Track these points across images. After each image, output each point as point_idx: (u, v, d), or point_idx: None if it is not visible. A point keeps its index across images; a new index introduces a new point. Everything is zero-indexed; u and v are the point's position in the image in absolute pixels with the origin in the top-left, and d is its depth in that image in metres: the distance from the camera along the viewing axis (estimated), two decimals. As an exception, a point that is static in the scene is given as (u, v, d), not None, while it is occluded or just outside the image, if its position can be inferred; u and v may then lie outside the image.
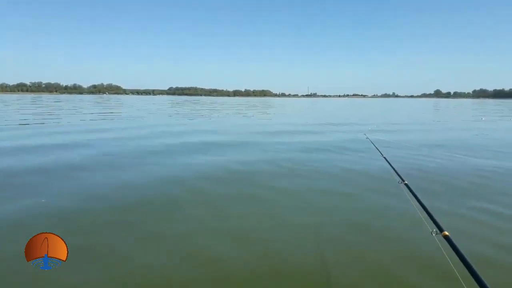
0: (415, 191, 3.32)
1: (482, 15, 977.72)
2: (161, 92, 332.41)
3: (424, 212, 2.91)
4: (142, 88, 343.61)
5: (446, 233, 2.51)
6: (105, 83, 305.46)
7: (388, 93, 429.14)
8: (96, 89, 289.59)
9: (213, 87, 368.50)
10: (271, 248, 4.52)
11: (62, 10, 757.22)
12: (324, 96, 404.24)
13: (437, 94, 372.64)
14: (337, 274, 3.99)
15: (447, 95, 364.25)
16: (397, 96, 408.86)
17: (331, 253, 4.45)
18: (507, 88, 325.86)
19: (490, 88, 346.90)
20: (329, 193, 7.03)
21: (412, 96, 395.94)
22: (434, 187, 7.27)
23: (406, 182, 3.66)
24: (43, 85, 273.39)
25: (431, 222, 2.74)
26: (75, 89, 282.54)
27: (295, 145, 13.13)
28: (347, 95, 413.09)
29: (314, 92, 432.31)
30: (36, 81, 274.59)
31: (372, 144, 7.27)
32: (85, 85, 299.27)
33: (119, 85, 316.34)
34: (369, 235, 5.01)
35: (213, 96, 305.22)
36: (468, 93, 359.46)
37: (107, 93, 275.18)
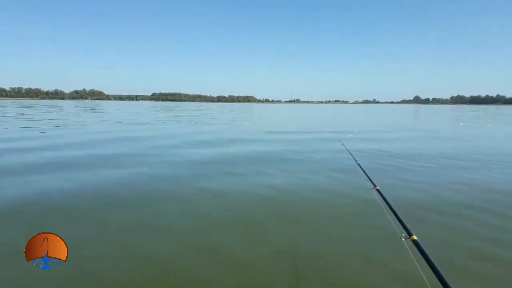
0: (387, 197, 3.40)
1: (458, 25, 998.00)
2: (145, 98, 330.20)
3: (395, 217, 2.99)
4: (126, 93, 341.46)
5: (415, 238, 2.58)
6: (87, 89, 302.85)
7: (369, 99, 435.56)
8: (78, 95, 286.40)
9: (197, 93, 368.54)
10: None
11: (44, 15, 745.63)
12: (307, 102, 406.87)
13: (417, 100, 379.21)
14: (307, 276, 4.10)
15: (426, 101, 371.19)
16: (377, 102, 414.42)
17: (304, 258, 4.49)
18: (483, 95, 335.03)
19: (467, 94, 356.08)
20: (300, 199, 7.03)
21: (392, 102, 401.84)
22: (406, 194, 7.34)
23: (378, 187, 3.74)
24: (23, 91, 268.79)
25: (401, 227, 2.82)
26: (57, 95, 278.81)
27: (273, 153, 13.10)
28: (329, 101, 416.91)
29: (297, 98, 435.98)
30: (17, 86, 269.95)
31: (346, 150, 7.37)
32: (67, 90, 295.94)
33: (101, 90, 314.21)
34: (340, 239, 5.08)
35: (197, 101, 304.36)
36: (446, 99, 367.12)
37: (89, 98, 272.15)
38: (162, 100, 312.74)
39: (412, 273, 3.38)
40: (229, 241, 4.97)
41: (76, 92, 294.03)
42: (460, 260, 4.42)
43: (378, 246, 4.79)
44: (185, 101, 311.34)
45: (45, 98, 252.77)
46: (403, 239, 2.68)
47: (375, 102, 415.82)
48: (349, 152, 6.93)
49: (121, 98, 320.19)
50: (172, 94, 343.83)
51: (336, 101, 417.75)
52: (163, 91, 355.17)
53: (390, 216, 3.10)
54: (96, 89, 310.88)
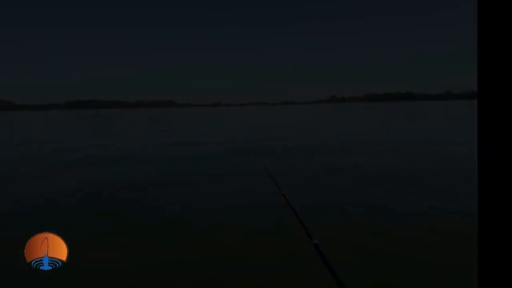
0: (292, 202, 3.60)
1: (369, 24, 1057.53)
2: (59, 107, 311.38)
3: (298, 221, 3.20)
4: (38, 102, 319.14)
5: (316, 241, 2.79)
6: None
7: (287, 100, 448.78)
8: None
9: (115, 99, 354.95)
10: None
11: None
12: (229, 105, 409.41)
13: (333, 99, 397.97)
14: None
15: (342, 99, 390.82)
16: (294, 102, 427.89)
17: (211, 261, 4.50)
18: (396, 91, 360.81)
19: (381, 91, 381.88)
20: (210, 205, 6.98)
21: (309, 102, 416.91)
22: (312, 198, 7.28)
23: (283, 192, 3.93)
24: None
25: (304, 231, 3.04)
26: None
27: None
28: (251, 103, 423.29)
29: (219, 102, 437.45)
30: None
31: (254, 156, 7.33)
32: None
33: (11, 100, 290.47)
34: (246, 242, 5.13)
35: (115, 108, 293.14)
36: (360, 97, 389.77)
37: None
38: (78, 107, 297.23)
39: (313, 277, 3.60)
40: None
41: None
42: (359, 263, 4.42)
43: (281, 248, 4.84)
44: (101, 108, 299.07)
45: None
46: (306, 243, 2.88)
47: (292, 102, 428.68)
48: (256, 157, 6.95)
49: (33, 107, 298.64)
50: (87, 102, 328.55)
51: (258, 103, 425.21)
52: (78, 98, 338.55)
53: (294, 219, 3.29)
54: (5, 100, 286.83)
